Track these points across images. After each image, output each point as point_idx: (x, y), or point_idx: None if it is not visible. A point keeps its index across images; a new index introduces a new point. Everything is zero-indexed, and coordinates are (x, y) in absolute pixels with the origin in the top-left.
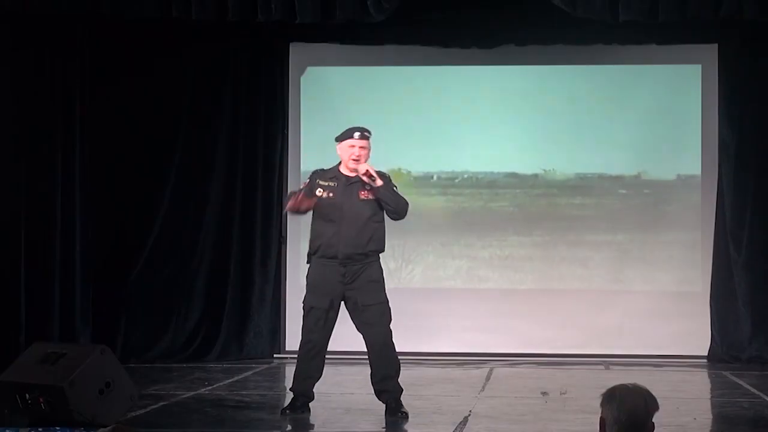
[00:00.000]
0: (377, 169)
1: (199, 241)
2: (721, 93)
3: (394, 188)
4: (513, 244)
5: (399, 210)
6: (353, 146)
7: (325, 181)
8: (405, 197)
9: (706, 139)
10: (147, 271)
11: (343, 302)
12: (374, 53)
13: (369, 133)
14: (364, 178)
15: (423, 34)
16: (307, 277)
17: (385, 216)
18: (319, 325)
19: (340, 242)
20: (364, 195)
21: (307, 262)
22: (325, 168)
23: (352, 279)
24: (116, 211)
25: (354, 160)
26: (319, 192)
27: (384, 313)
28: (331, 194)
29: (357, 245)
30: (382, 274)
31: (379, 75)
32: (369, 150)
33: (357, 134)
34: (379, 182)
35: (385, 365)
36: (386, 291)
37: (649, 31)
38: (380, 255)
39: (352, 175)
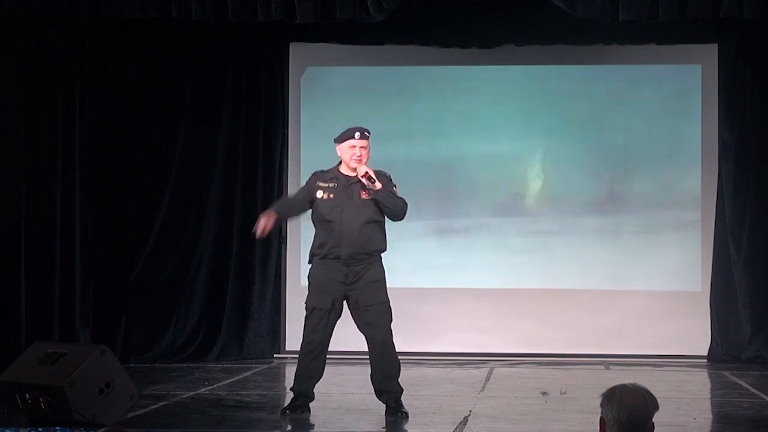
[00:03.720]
0: (377, 169)
1: (199, 241)
2: (721, 93)
3: (394, 188)
4: (513, 244)
5: (397, 212)
6: (354, 146)
7: (325, 182)
8: (404, 198)
9: (706, 139)
10: (147, 271)
11: (345, 301)
12: (374, 53)
13: (369, 132)
14: (364, 180)
15: (423, 34)
16: (308, 276)
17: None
18: (321, 326)
19: (342, 243)
20: (365, 195)
21: (309, 263)
22: (324, 169)
23: (355, 279)
24: (116, 211)
25: (356, 160)
26: (319, 194)
27: (385, 313)
28: (331, 195)
29: (359, 245)
30: (384, 273)
31: (379, 75)
32: (369, 150)
33: (357, 134)
34: (378, 185)
35: (385, 365)
36: (387, 290)
37: (649, 31)
38: (382, 254)
39: (353, 175)
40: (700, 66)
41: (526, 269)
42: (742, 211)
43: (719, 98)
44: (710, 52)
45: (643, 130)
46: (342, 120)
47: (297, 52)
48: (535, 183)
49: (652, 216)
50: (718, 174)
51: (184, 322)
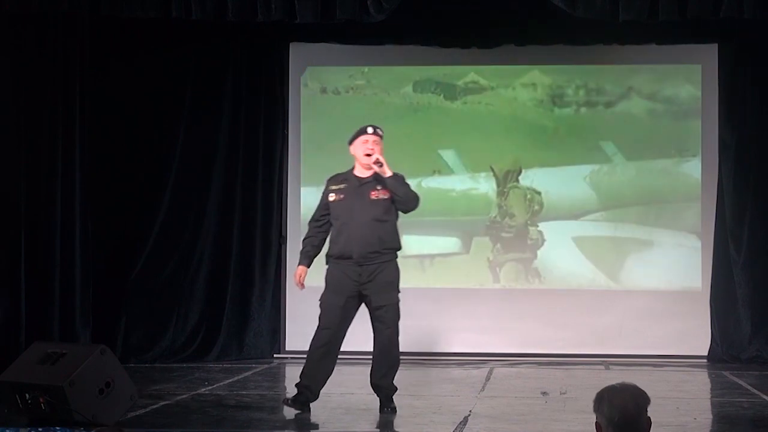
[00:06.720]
0: (394, 171)
1: (199, 241)
2: (721, 93)
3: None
4: (513, 244)
5: (407, 201)
6: (366, 141)
7: (336, 184)
8: (416, 192)
9: (706, 139)
10: (147, 271)
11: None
12: (374, 53)
13: (381, 130)
14: (374, 167)
15: (423, 34)
16: (325, 277)
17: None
18: (334, 322)
19: (353, 243)
20: (374, 195)
21: (326, 263)
22: (340, 172)
23: (369, 279)
24: (116, 211)
25: (367, 155)
26: (331, 197)
27: (395, 313)
28: (341, 196)
29: (370, 244)
30: (398, 273)
31: (379, 75)
32: (382, 147)
33: (370, 129)
34: (388, 172)
35: (387, 363)
36: (399, 291)
37: (649, 31)
38: (397, 253)
39: (365, 176)
40: (700, 66)
41: (527, 269)
42: (742, 211)
43: (719, 98)
44: (710, 52)
45: (643, 130)
46: (342, 120)
47: (297, 52)
48: (533, 182)
49: (652, 216)
50: (718, 174)
51: (184, 322)
